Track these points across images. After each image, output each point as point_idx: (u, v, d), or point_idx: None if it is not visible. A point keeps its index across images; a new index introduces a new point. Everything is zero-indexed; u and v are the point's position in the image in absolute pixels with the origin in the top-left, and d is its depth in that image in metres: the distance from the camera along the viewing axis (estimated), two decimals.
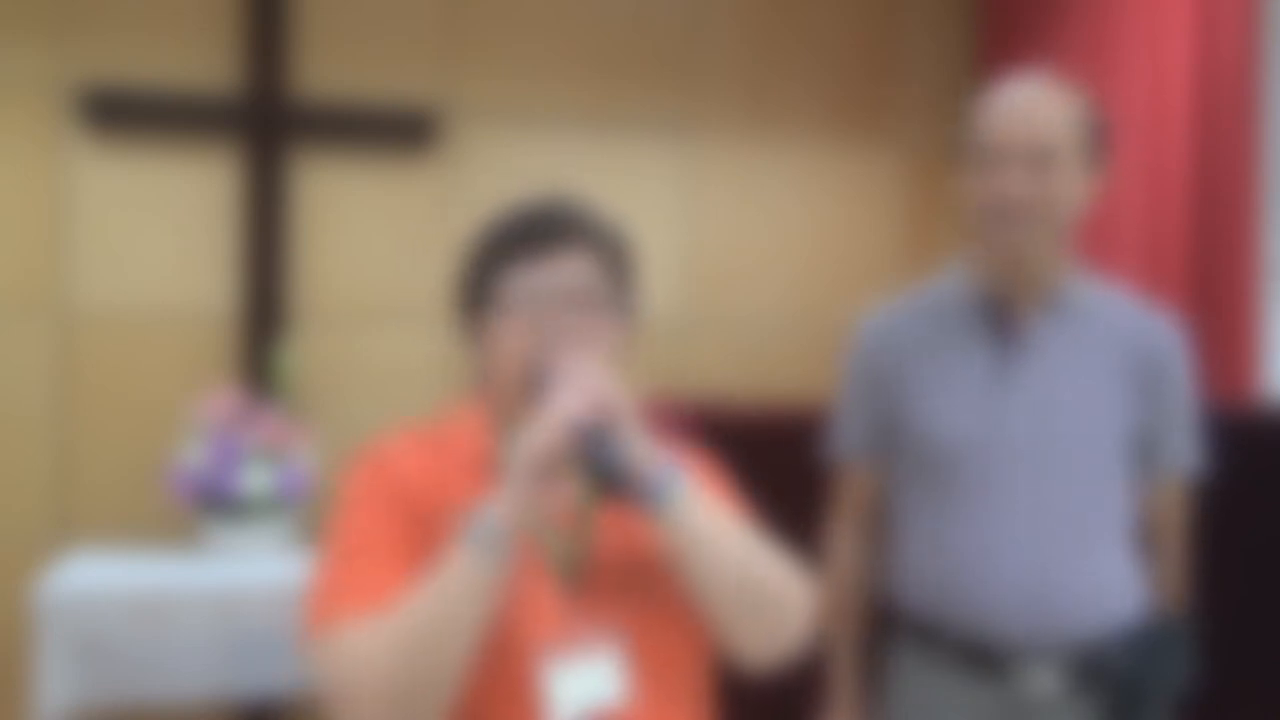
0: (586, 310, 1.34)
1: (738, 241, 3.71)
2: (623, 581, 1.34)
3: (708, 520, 1.27)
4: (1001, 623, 1.77)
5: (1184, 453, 1.91)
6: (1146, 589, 1.87)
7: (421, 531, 1.31)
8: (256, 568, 2.90)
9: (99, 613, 2.69)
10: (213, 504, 2.96)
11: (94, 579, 2.76)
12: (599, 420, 1.23)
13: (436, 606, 1.20)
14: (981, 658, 1.80)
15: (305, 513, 3.12)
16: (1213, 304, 2.88)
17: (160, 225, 3.21)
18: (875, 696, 1.99)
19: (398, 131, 3.36)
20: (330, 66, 3.33)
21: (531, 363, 1.32)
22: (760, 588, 1.28)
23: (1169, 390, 1.86)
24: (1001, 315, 1.84)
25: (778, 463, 2.25)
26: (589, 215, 1.39)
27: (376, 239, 3.38)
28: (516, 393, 1.33)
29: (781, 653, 1.32)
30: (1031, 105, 1.75)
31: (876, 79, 3.83)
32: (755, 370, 3.70)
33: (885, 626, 1.97)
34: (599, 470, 1.23)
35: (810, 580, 1.36)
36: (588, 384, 1.24)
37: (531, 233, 1.36)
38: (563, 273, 1.34)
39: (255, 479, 2.94)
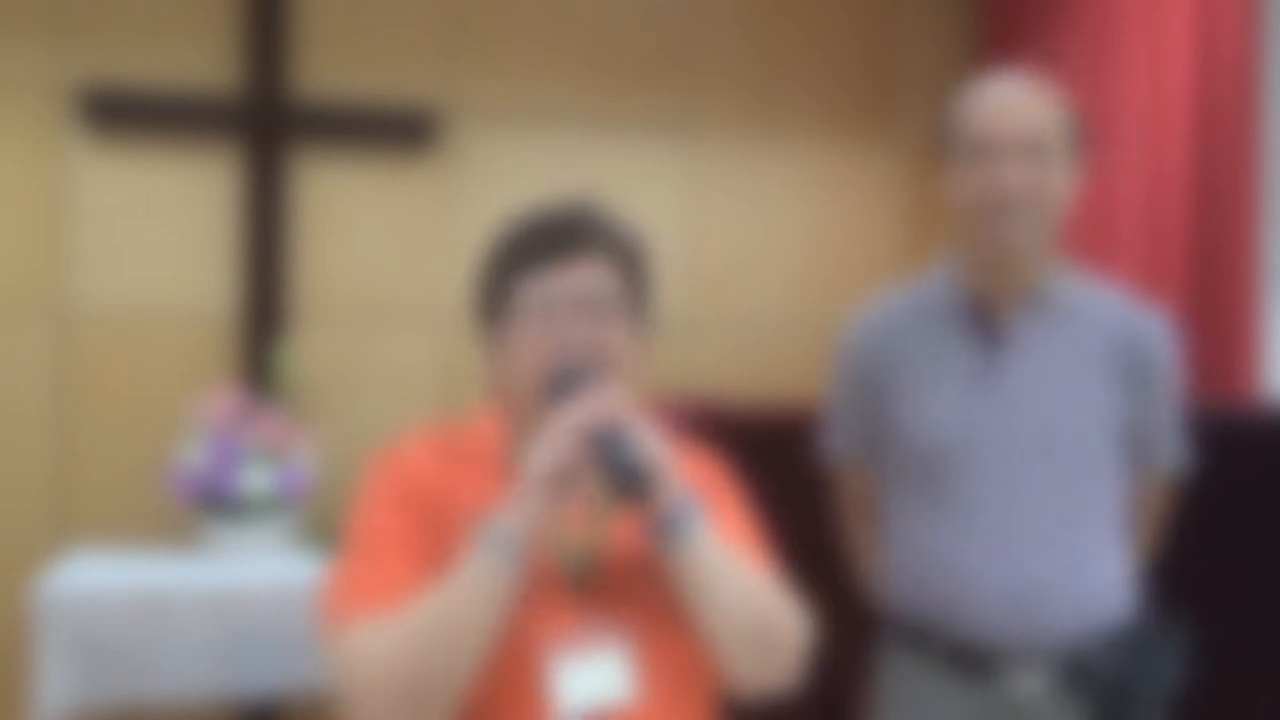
0: (603, 317, 1.33)
1: (738, 241, 3.70)
2: (632, 581, 1.35)
3: (717, 559, 1.28)
4: (988, 625, 1.76)
5: (1171, 449, 1.91)
6: (1134, 588, 1.86)
7: (436, 532, 1.32)
8: (256, 568, 2.90)
9: (99, 613, 2.68)
10: (213, 504, 2.96)
11: (94, 579, 2.76)
12: (610, 425, 1.23)
13: (450, 609, 1.21)
14: (969, 660, 1.79)
15: (305, 513, 3.12)
16: (1213, 304, 2.88)
17: (160, 225, 3.21)
18: (868, 697, 1.98)
19: (398, 132, 3.36)
20: (330, 66, 3.33)
21: (547, 369, 1.32)
22: (761, 624, 1.29)
23: (1156, 385, 1.85)
24: (985, 314, 1.83)
25: (778, 462, 2.24)
26: (607, 221, 1.39)
27: (377, 239, 3.37)
28: (532, 399, 1.33)
29: (777, 683, 1.34)
30: (1022, 99, 1.76)
31: (878, 80, 3.83)
32: (755, 370, 3.69)
33: (877, 628, 1.96)
34: (616, 472, 1.23)
35: (805, 611, 1.37)
36: (597, 394, 1.25)
37: (549, 239, 1.35)
38: (580, 280, 1.33)
39: (255, 479, 2.94)
